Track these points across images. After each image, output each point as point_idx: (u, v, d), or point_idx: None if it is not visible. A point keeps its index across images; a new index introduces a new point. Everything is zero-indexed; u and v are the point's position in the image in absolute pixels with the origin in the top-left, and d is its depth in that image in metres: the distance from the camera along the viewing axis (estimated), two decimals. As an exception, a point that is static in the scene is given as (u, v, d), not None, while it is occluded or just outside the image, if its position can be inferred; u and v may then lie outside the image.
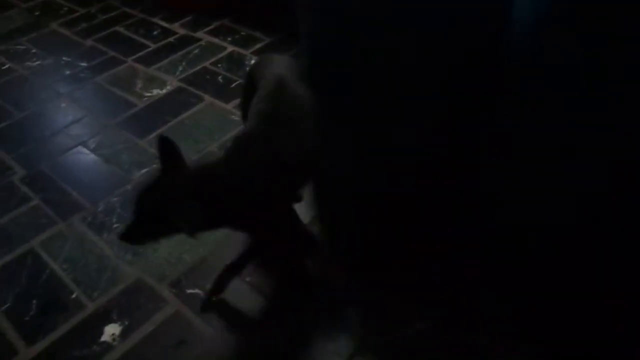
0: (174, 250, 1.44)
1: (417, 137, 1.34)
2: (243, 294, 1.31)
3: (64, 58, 2.33)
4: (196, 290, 1.32)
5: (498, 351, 1.14)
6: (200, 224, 0.98)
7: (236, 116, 1.92)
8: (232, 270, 1.28)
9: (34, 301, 1.33)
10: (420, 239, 1.39)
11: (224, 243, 1.44)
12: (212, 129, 1.87)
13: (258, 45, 2.33)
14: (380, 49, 1.20)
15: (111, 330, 1.25)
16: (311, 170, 1.30)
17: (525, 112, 1.10)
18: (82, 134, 1.90)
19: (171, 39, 2.43)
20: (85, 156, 1.80)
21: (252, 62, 2.05)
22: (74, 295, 1.34)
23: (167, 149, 1.09)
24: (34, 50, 2.40)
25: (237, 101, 1.98)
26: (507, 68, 1.09)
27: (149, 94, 2.07)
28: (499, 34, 1.08)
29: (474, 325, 1.18)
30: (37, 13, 2.73)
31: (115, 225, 1.53)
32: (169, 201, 0.99)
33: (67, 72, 2.24)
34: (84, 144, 1.85)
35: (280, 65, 1.30)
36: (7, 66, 2.30)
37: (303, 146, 1.15)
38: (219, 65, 2.22)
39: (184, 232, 0.97)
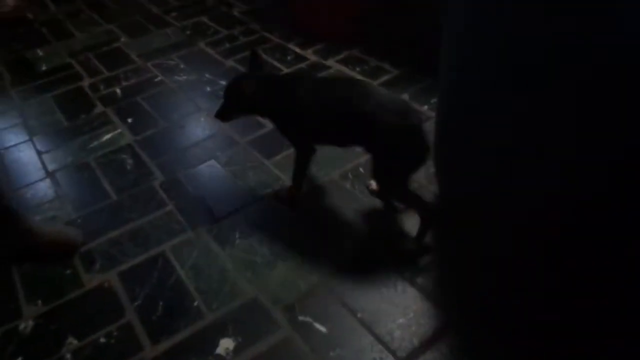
0: (290, 275, 1.49)
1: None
2: (354, 331, 1.31)
3: (206, 75, 2.53)
4: (307, 319, 1.35)
5: None
6: (253, 97, 1.57)
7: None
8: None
9: (161, 302, 1.45)
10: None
11: (335, 275, 1.46)
12: (335, 157, 1.92)
13: (385, 77, 2.36)
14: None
15: (226, 344, 1.31)
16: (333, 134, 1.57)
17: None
18: (215, 148, 2.05)
19: (303, 65, 2.54)
20: (216, 170, 1.94)
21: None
22: (195, 303, 1.44)
23: (255, 59, 1.63)
24: (182, 66, 2.65)
25: (361, 132, 2.03)
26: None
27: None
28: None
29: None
30: (188, 32, 3.01)
31: (237, 241, 1.62)
32: (241, 81, 1.60)
33: (208, 89, 2.43)
34: (216, 158, 1.99)
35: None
36: (159, 78, 2.55)
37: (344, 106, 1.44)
38: (347, 94, 2.28)
39: (247, 106, 1.62)
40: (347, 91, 1.46)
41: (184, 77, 2.54)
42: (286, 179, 1.84)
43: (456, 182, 1.55)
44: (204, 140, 2.11)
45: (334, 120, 1.48)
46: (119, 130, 2.19)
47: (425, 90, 2.21)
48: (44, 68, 2.74)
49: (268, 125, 2.14)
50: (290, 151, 1.97)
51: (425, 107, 2.11)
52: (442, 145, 1.53)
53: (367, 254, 1.54)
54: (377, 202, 1.71)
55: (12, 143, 2.17)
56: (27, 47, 2.95)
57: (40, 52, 2.90)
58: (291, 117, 1.57)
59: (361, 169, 1.85)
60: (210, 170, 1.94)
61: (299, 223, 1.67)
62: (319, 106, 1.49)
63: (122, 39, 2.99)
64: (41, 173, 1.99)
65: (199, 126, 2.19)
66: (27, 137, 2.20)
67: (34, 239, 1.60)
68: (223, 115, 1.65)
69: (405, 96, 2.19)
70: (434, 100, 2.11)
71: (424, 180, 1.75)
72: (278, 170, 1.89)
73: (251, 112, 1.66)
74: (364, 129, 1.42)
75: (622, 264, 1.24)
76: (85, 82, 2.58)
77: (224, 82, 2.45)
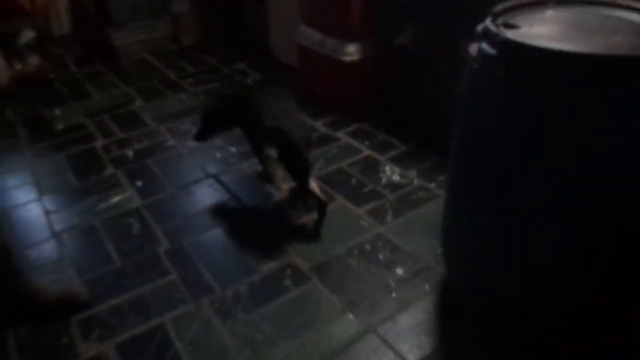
0: (291, 356, 1.45)
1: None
2: None
3: (216, 142, 2.58)
4: (307, 405, 1.31)
5: None
6: (223, 116, 2.15)
7: (366, 222, 1.96)
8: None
9: (157, 379, 1.41)
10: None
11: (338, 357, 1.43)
12: (341, 232, 1.92)
13: (393, 152, 2.40)
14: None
15: None
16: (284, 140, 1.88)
17: None
18: (222, 216, 2.05)
19: (312, 136, 2.60)
20: (221, 239, 1.93)
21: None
22: (192, 381, 1.39)
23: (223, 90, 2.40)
24: (194, 131, 2.70)
25: (369, 206, 2.05)
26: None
27: (286, 187, 2.20)
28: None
29: None
30: (201, 97, 3.11)
31: (239, 315, 1.59)
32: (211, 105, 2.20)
33: (218, 156, 2.48)
34: (222, 226, 1.99)
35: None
36: (171, 142, 2.61)
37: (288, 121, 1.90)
38: (354, 167, 2.31)
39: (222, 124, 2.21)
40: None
41: (195, 143, 2.59)
42: (292, 252, 1.83)
43: (461, 265, 1.54)
44: (210, 207, 2.12)
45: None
46: (128, 194, 2.21)
47: (433, 168, 2.24)
48: (60, 127, 2.81)
49: (277, 194, 2.16)
50: (297, 223, 1.98)
51: (433, 184, 2.14)
52: (449, 229, 1.53)
53: (371, 335, 1.51)
54: (389, 280, 1.69)
55: (21, 201, 2.19)
56: (45, 106, 3.04)
57: (57, 112, 2.99)
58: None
59: (367, 246, 1.84)
60: (215, 239, 1.94)
61: (302, 301, 1.64)
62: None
63: (138, 102, 3.08)
64: (47, 233, 1.99)
65: (206, 193, 2.21)
66: (36, 196, 2.22)
67: (39, 298, 1.59)
68: (201, 136, 2.20)
69: (413, 173, 2.22)
70: (441, 177, 2.14)
71: (432, 261, 1.74)
72: (284, 242, 1.88)
73: (226, 127, 2.24)
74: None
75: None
76: (99, 143, 2.63)
77: (234, 150, 2.50)
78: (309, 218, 1.99)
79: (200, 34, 3.92)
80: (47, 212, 2.12)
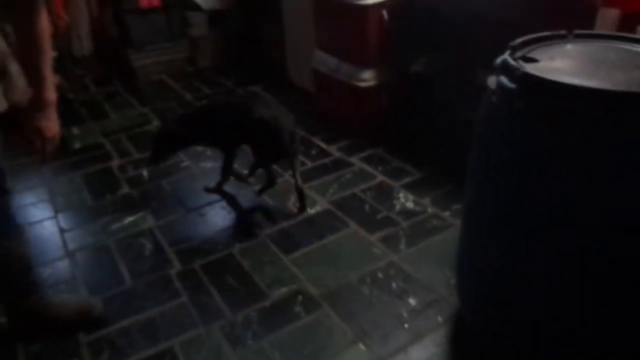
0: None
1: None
2: None
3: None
4: None
5: None
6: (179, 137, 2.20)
7: (379, 249, 1.94)
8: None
9: (165, 405, 1.39)
10: None
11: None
12: (353, 259, 1.90)
13: (407, 179, 2.39)
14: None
15: None
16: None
17: None
18: (234, 240, 2.05)
19: (326, 160, 2.61)
20: (233, 263, 1.93)
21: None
22: (200, 409, 1.37)
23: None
24: (208, 152, 2.73)
25: (382, 233, 2.03)
26: None
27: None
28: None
29: None
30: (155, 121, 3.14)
31: (249, 342, 1.57)
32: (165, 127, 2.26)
33: (231, 178, 2.48)
34: (233, 249, 1.99)
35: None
36: (186, 164, 2.63)
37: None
38: (368, 193, 2.31)
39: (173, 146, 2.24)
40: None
41: (209, 164, 2.61)
42: (303, 278, 1.82)
43: (476, 298, 1.51)
44: (222, 230, 2.12)
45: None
46: (142, 214, 2.22)
47: (447, 196, 2.22)
48: (77, 146, 2.86)
49: (290, 219, 2.15)
50: (310, 249, 1.98)
51: (447, 213, 2.12)
52: (465, 260, 1.51)
53: (382, 367, 1.48)
54: (401, 310, 1.67)
55: (37, 219, 2.21)
56: (64, 125, 3.04)
57: (76, 131, 3.04)
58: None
59: (380, 274, 1.82)
60: (226, 262, 1.93)
61: (313, 328, 1.62)
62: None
63: (154, 122, 3.12)
64: (61, 252, 2.00)
65: (219, 215, 2.22)
66: (52, 214, 2.24)
67: (54, 311, 1.60)
68: (155, 160, 2.22)
69: (427, 200, 2.21)
70: (455, 206, 2.12)
71: (445, 292, 1.72)
72: (295, 268, 1.87)
73: (182, 147, 2.32)
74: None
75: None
76: (115, 163, 2.67)
77: (246, 172, 2.50)
78: (320, 244, 1.99)
79: (217, 57, 3.99)
80: (62, 230, 2.13)
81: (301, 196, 2.19)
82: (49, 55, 1.30)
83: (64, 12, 3.23)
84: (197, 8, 3.83)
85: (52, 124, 1.37)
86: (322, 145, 2.76)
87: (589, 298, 1.21)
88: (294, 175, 2.17)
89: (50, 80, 1.32)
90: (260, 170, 2.30)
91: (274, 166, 2.30)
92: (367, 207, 2.20)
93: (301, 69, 3.26)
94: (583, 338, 1.27)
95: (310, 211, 2.20)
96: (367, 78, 2.63)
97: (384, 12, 2.50)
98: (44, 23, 1.26)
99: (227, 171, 2.33)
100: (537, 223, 1.21)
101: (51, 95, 1.33)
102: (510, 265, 1.32)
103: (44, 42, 1.27)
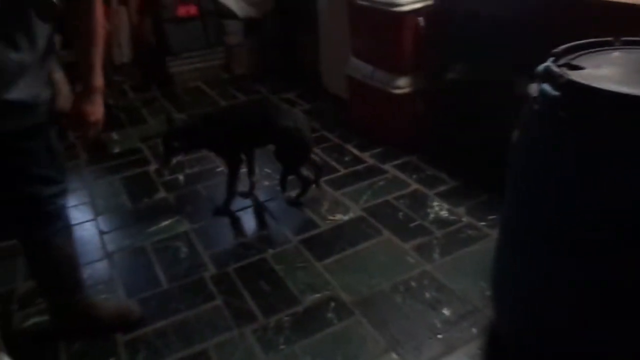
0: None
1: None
2: None
3: (265, 169, 2.62)
4: None
5: None
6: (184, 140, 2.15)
7: (412, 258, 1.92)
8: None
9: (199, 407, 1.41)
10: None
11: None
12: (386, 267, 1.89)
13: (442, 188, 2.36)
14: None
15: None
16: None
17: None
18: (267, 245, 2.07)
19: (360, 167, 2.60)
20: (266, 267, 1.94)
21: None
22: (233, 412, 1.38)
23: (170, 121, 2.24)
24: (243, 157, 2.76)
25: (415, 242, 2.01)
26: None
27: (332, 218, 2.20)
28: None
29: None
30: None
31: (281, 347, 1.58)
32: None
33: (266, 183, 2.51)
34: (267, 254, 2.00)
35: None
36: (220, 169, 2.66)
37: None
38: (401, 201, 2.29)
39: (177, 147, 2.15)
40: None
41: (244, 169, 2.64)
42: (336, 285, 1.81)
43: (512, 311, 1.48)
44: (256, 235, 2.14)
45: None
46: (177, 217, 2.27)
47: (483, 205, 2.18)
48: (116, 150, 2.94)
49: (322, 225, 2.15)
50: (342, 255, 1.97)
51: (483, 223, 2.08)
52: (501, 272, 1.48)
53: (415, 378, 1.46)
54: (435, 320, 1.64)
55: (78, 221, 2.28)
56: (104, 130, 3.16)
57: (115, 136, 3.13)
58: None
59: (413, 283, 1.80)
60: (260, 267, 1.95)
61: (345, 335, 1.61)
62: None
63: (191, 128, 3.17)
64: (101, 253, 2.06)
65: (252, 220, 2.24)
66: (92, 216, 2.31)
67: (96, 312, 1.65)
68: (166, 160, 2.17)
69: (462, 210, 2.17)
70: (491, 216, 2.08)
71: (480, 303, 1.68)
72: (328, 274, 1.87)
73: (190, 148, 2.23)
74: None
75: None
76: (152, 167, 2.73)
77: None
78: (353, 250, 1.98)
79: (253, 64, 4.05)
80: (101, 232, 2.20)
81: (319, 170, 2.38)
82: (100, 44, 1.34)
83: (105, 20, 3.35)
84: (234, 16, 3.90)
85: (96, 109, 1.40)
86: (356, 152, 2.75)
87: (634, 320, 1.16)
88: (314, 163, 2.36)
89: (99, 68, 1.37)
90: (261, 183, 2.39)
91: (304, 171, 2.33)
92: (400, 215, 2.19)
93: (335, 76, 3.28)
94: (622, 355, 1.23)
95: (344, 218, 2.19)
96: (402, 85, 2.62)
97: (420, 19, 2.49)
98: (100, 13, 1.31)
99: (232, 186, 2.31)
100: (579, 236, 1.17)
101: (98, 81, 1.38)
102: (548, 279, 1.28)
103: (98, 29, 1.32)
